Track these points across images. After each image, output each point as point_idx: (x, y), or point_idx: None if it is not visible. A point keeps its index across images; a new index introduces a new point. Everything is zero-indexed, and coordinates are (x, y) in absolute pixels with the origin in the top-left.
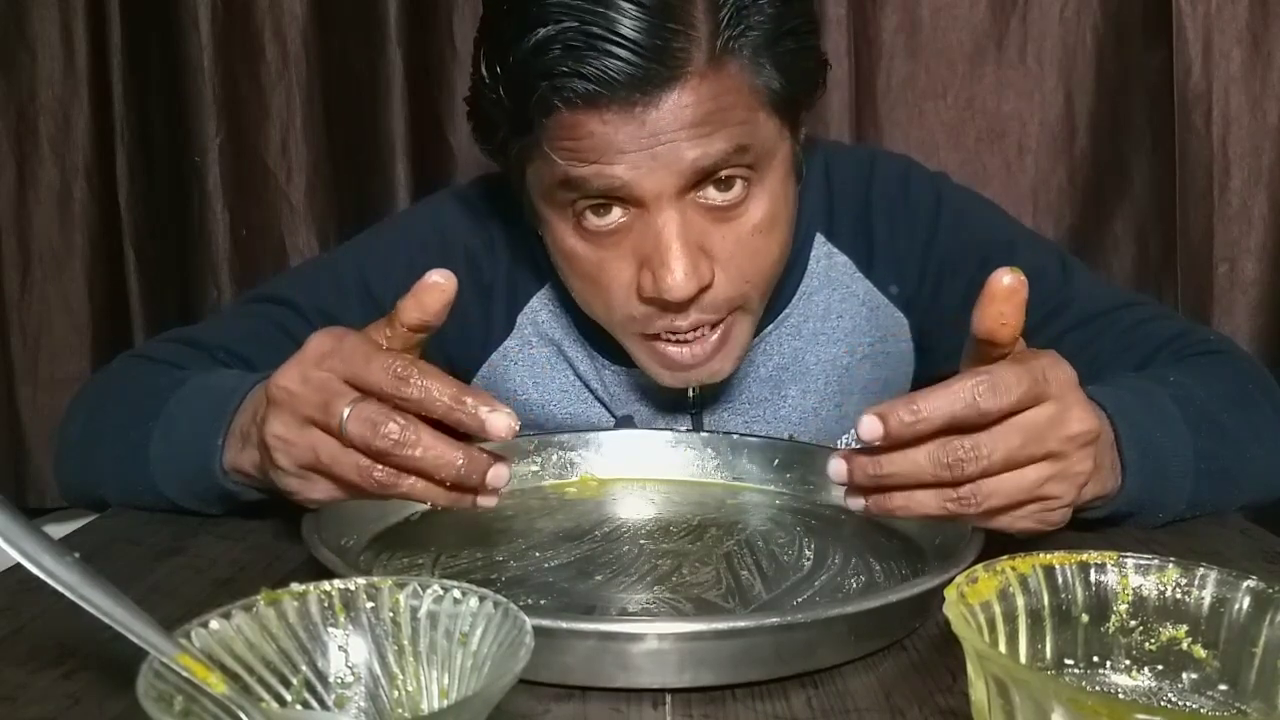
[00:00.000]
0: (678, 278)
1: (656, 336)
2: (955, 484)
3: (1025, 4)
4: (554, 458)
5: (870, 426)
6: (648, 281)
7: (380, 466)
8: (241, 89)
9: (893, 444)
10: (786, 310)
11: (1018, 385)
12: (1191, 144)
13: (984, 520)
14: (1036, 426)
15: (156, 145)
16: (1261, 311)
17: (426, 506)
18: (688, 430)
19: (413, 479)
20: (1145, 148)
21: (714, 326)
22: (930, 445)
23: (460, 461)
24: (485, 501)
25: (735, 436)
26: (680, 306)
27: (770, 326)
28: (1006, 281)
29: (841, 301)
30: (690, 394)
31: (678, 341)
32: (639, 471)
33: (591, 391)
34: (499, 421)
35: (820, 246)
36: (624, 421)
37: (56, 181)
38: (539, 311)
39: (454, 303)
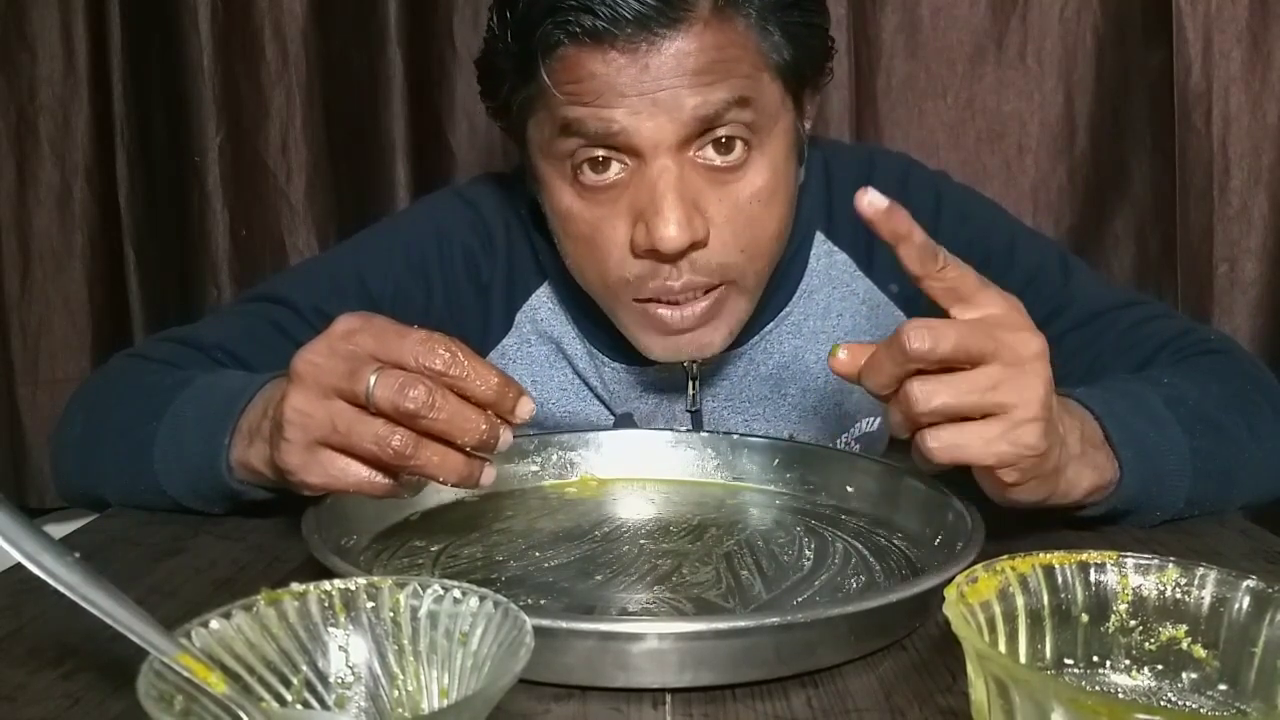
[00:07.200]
0: (671, 229)
1: (648, 300)
2: (906, 375)
3: (1025, 4)
4: (554, 458)
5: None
6: (641, 234)
7: (399, 434)
8: (241, 89)
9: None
10: (787, 308)
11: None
12: (1191, 144)
13: (950, 449)
14: (983, 321)
15: (156, 145)
16: (1261, 311)
17: (428, 504)
18: (688, 430)
19: (429, 450)
20: (1145, 148)
21: (706, 293)
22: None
23: (484, 425)
24: (487, 478)
25: (735, 436)
26: (672, 260)
27: (770, 325)
28: (866, 206)
29: (842, 300)
30: (689, 390)
31: (669, 304)
32: (639, 471)
33: (591, 389)
34: (527, 406)
35: (820, 245)
36: (623, 419)
37: (56, 181)
38: (538, 309)
39: (451, 301)
